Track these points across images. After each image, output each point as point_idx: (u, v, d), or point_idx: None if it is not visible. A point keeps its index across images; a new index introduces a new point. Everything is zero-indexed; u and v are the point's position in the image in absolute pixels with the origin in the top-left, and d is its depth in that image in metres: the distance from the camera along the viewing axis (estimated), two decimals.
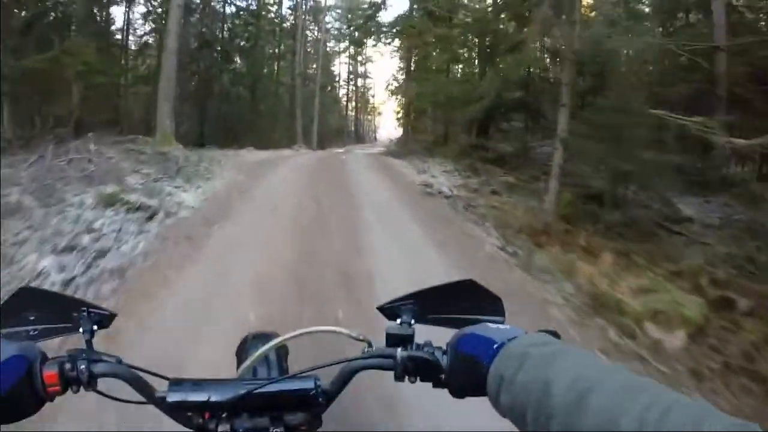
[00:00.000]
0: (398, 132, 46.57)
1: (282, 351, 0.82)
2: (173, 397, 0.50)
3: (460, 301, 0.60)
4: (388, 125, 49.93)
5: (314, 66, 27.02)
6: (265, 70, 23.81)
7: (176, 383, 0.52)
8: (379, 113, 45.07)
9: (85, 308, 0.57)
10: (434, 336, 0.56)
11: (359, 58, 35.89)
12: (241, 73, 20.92)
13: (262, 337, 0.80)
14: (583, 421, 0.33)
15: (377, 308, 0.60)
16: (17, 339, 0.52)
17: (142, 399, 0.53)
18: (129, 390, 0.54)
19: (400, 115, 42.36)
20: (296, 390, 0.53)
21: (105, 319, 0.58)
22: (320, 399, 0.53)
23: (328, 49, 28.97)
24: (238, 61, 20.94)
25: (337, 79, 34.62)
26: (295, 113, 22.28)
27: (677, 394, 0.33)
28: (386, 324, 0.56)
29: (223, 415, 0.51)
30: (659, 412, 0.30)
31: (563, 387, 0.36)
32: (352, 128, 36.09)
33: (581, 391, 0.35)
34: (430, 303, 0.59)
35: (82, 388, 0.51)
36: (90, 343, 0.55)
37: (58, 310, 0.59)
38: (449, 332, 0.54)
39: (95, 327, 0.57)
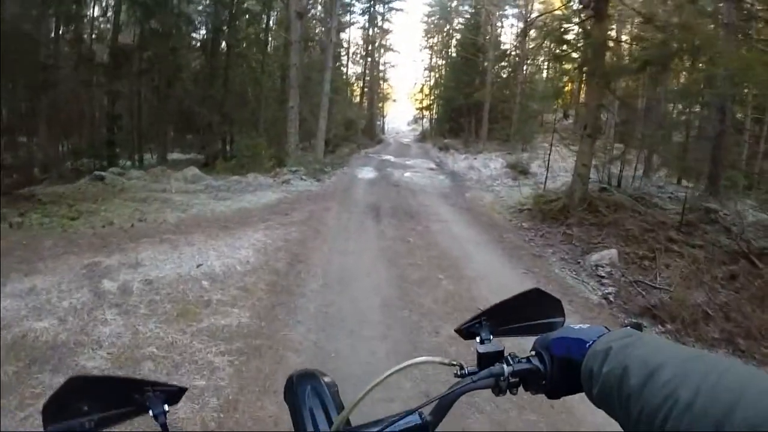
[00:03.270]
0: (409, 128, 36.55)
1: (333, 389, 0.68)
2: None
3: (525, 309, 0.61)
4: (397, 116, 40.32)
5: (317, 26, 17.31)
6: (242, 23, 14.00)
7: None
8: (394, 100, 35.45)
9: (149, 387, 0.52)
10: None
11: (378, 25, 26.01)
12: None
13: (310, 377, 0.69)
14: (654, 393, 0.36)
15: (455, 330, 0.60)
16: None
17: None
18: None
19: (422, 105, 31.86)
20: (405, 429, 0.52)
21: (174, 395, 0.53)
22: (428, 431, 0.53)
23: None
24: None
25: (348, 50, 24.67)
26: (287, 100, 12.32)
27: (732, 361, 0.37)
28: (472, 345, 0.57)
29: None
30: (715, 378, 0.34)
31: (637, 368, 0.39)
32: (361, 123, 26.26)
33: (652, 368, 0.38)
34: (501, 317, 0.60)
35: None
36: (165, 426, 0.50)
37: (117, 394, 0.52)
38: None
39: (166, 406, 0.51)
